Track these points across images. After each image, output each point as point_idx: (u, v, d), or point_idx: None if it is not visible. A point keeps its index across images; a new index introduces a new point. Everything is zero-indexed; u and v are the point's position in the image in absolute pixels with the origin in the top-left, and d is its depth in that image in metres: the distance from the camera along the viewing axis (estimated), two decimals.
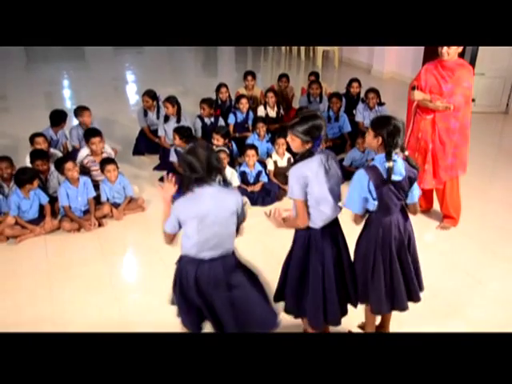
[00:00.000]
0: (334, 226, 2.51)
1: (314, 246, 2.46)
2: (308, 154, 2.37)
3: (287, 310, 2.66)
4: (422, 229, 4.18)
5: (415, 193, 2.54)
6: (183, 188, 2.24)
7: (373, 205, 2.43)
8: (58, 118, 5.14)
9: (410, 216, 2.61)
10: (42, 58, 11.49)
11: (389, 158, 2.35)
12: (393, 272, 2.53)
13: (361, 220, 2.53)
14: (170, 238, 2.36)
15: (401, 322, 2.96)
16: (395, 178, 2.37)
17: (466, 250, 3.87)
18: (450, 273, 3.60)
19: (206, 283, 2.27)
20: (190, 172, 2.19)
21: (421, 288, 2.70)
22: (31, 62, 11.30)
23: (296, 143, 2.38)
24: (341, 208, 2.50)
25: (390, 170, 2.34)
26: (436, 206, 4.31)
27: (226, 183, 2.31)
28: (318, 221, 2.43)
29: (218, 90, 6.05)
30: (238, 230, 2.39)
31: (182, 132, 4.81)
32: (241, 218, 2.38)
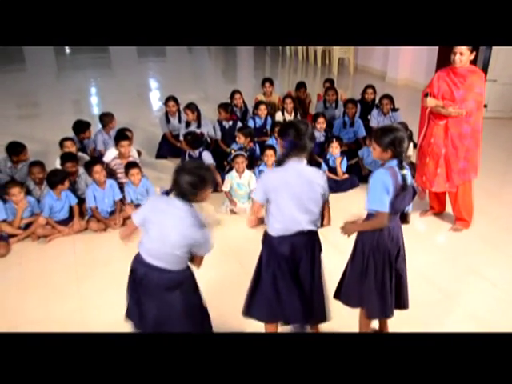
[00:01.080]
0: (300, 237, 2.48)
1: (272, 252, 2.49)
2: (281, 160, 2.42)
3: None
4: (435, 231, 4.27)
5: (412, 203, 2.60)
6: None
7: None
8: (78, 127, 5.31)
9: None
10: (71, 66, 11.93)
11: (401, 165, 2.42)
12: (384, 278, 2.54)
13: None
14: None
15: (414, 324, 2.98)
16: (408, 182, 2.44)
17: (478, 252, 3.92)
18: (462, 274, 3.64)
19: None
20: (174, 185, 2.32)
21: (404, 305, 2.71)
22: (61, 70, 11.71)
23: (279, 147, 2.44)
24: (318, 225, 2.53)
25: (405, 177, 2.40)
26: (448, 208, 4.37)
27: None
28: (273, 228, 2.47)
29: (232, 96, 6.20)
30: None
31: (187, 138, 4.91)
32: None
